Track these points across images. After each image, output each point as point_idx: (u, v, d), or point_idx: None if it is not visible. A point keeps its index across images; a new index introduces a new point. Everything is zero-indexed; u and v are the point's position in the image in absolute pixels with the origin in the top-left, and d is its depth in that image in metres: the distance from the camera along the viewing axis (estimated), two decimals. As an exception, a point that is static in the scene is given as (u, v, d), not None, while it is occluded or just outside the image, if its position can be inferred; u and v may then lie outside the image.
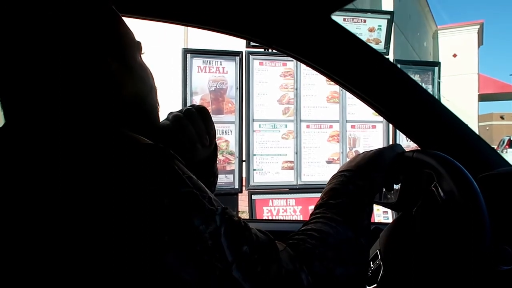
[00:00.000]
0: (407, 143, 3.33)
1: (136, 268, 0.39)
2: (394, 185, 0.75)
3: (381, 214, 3.54)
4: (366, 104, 0.89)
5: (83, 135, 0.45)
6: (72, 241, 0.39)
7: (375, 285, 0.71)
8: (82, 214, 0.40)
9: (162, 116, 0.68)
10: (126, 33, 0.58)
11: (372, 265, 0.74)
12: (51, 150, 0.43)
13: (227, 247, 0.43)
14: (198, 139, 0.67)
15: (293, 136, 3.43)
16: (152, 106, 0.62)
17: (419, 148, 0.81)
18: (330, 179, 0.68)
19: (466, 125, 0.83)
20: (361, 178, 0.65)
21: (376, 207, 3.50)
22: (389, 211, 3.43)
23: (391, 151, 0.70)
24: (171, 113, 0.69)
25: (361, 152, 0.77)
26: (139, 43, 0.61)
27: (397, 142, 3.44)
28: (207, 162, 0.74)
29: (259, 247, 0.46)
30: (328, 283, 0.50)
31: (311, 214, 0.61)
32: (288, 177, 3.42)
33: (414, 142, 0.86)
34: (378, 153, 0.69)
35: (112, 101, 0.54)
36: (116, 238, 0.39)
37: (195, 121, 0.67)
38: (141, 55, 0.62)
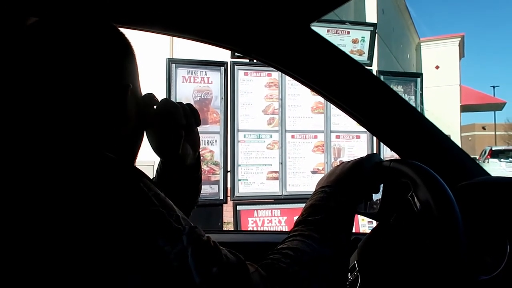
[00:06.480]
0: (391, 153, 3.36)
1: None
2: (374, 195, 0.74)
3: (366, 224, 3.54)
4: (347, 115, 0.89)
5: (55, 150, 0.45)
6: (35, 258, 0.38)
7: None
8: (46, 231, 0.38)
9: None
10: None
11: (350, 277, 0.73)
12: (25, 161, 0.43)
13: (194, 268, 0.41)
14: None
15: (278, 146, 3.43)
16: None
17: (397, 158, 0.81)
18: (311, 195, 0.67)
19: (446, 136, 0.84)
20: (342, 193, 0.64)
21: (361, 217, 3.51)
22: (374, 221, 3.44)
23: (369, 161, 0.69)
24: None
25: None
26: None
27: (381, 152, 3.47)
28: (194, 167, 0.79)
29: (229, 268, 0.45)
30: None
31: (290, 231, 0.60)
32: (273, 188, 3.41)
33: (395, 152, 0.86)
34: (356, 164, 0.68)
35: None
36: (79, 257, 0.38)
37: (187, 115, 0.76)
38: None
